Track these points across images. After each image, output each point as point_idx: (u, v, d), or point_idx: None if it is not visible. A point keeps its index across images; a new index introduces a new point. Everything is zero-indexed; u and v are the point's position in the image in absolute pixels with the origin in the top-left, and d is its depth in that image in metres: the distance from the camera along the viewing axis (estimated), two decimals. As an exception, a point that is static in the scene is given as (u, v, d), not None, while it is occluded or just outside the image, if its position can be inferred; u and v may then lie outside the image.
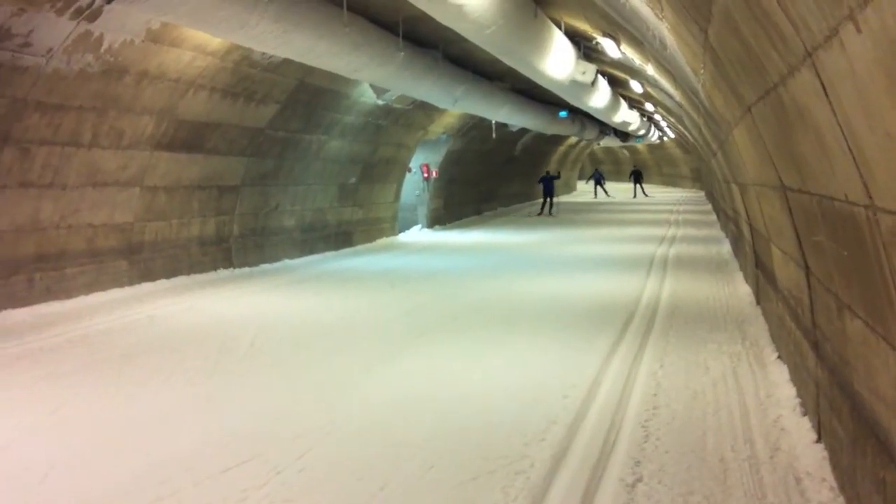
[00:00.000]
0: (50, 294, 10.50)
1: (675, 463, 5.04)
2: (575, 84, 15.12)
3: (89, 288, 11.18)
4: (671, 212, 30.97)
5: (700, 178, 44.26)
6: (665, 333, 8.87)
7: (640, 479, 4.78)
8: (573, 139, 39.97)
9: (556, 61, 12.85)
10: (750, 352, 7.88)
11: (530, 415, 6.06)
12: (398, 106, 18.20)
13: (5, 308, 9.74)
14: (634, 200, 40.51)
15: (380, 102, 17.08)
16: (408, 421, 6.02)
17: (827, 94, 3.03)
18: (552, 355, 7.99)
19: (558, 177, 32.10)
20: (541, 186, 30.89)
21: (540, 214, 29.51)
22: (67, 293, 10.79)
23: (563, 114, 25.06)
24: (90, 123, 10.52)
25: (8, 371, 7.57)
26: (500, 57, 12.01)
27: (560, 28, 12.96)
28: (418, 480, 4.87)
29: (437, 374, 7.40)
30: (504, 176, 33.13)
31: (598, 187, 44.46)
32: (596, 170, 48.22)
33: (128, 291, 11.69)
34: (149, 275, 12.43)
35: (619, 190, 47.21)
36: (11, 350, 8.33)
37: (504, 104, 19.42)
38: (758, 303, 10.20)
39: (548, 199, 30.23)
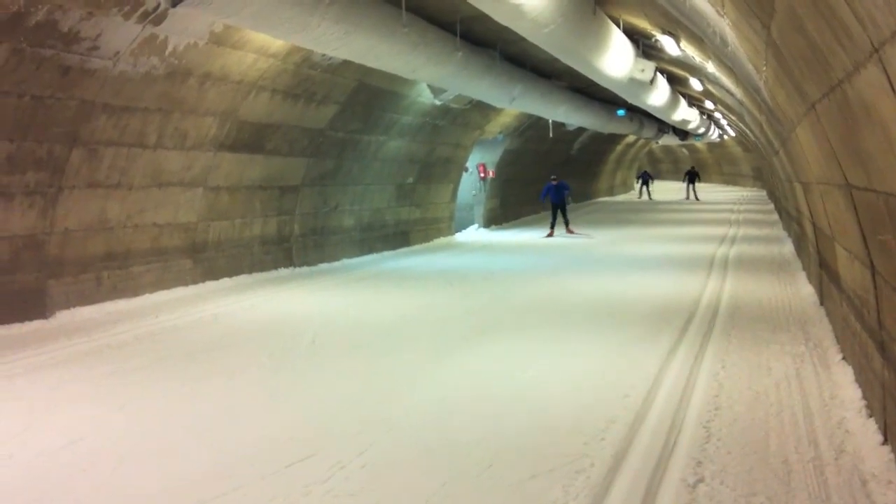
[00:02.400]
0: (117, 292, 10.77)
1: (737, 464, 5.00)
2: (633, 82, 15.01)
3: (154, 286, 11.45)
4: (731, 211, 30.53)
5: (761, 176, 43.43)
6: (726, 333, 8.77)
7: (701, 480, 4.75)
8: (631, 138, 39.62)
9: (615, 59, 12.78)
10: (814, 353, 7.75)
11: (590, 414, 6.05)
12: (455, 106, 18.25)
13: (74, 305, 10.03)
14: (686, 201, 38.54)
15: (437, 102, 17.15)
16: (467, 419, 6.06)
17: (894, 90, 2.99)
18: (611, 355, 7.96)
19: (568, 188, 22.26)
20: (545, 196, 22.31)
21: (550, 235, 21.76)
22: (134, 291, 11.06)
23: (621, 112, 24.88)
24: (155, 125, 10.76)
25: (77, 366, 7.78)
26: (557, 56, 11.98)
27: (619, 26, 12.89)
28: (478, 477, 4.90)
29: (495, 372, 7.42)
30: (561, 175, 32.98)
31: (644, 188, 42.29)
32: (644, 171, 45.55)
33: (192, 290, 11.94)
34: (212, 273, 12.67)
35: (673, 191, 46.24)
36: (81, 346, 8.57)
37: (561, 103, 19.35)
38: (821, 303, 10.02)
39: (558, 215, 22.02)
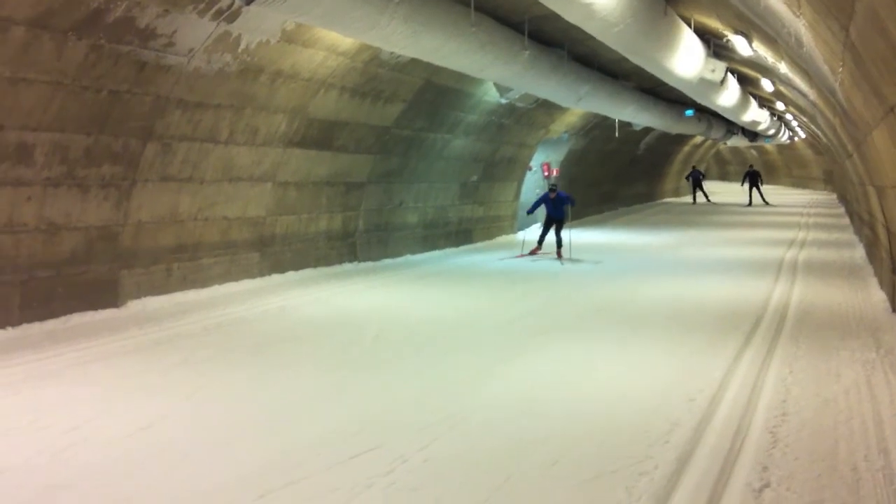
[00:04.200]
0: (186, 283, 11.02)
1: (804, 470, 4.92)
2: (703, 82, 14.83)
3: (223, 278, 11.68)
4: (801, 214, 29.92)
5: (832, 180, 42.41)
6: (795, 339, 8.63)
7: (767, 485, 4.69)
8: (699, 138, 39.06)
9: (685, 59, 12.65)
10: (885, 360, 7.59)
11: (654, 416, 6.01)
12: (521, 105, 18.22)
13: (145, 296, 10.29)
14: (748, 208, 33.71)
15: (503, 101, 17.14)
16: (530, 418, 6.06)
17: (980, 94, 2.93)
18: (677, 358, 7.89)
19: (572, 201, 17.36)
20: (534, 211, 17.36)
21: (535, 252, 17.35)
22: (203, 283, 11.30)
23: (689, 112, 24.58)
24: (227, 121, 10.97)
25: (148, 355, 7.99)
26: (627, 55, 11.91)
27: (689, 25, 12.75)
28: (541, 475, 4.91)
29: (558, 373, 7.41)
30: (626, 176, 32.73)
31: (698, 190, 37.58)
32: (693, 168, 40.25)
33: (258, 282, 12.15)
34: (278, 267, 12.88)
35: (738, 193, 44.75)
36: (151, 335, 8.79)
37: (629, 103, 19.19)
38: (893, 310, 9.79)
39: (553, 231, 17.02)
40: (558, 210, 16.91)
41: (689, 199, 36.51)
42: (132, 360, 7.79)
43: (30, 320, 8.77)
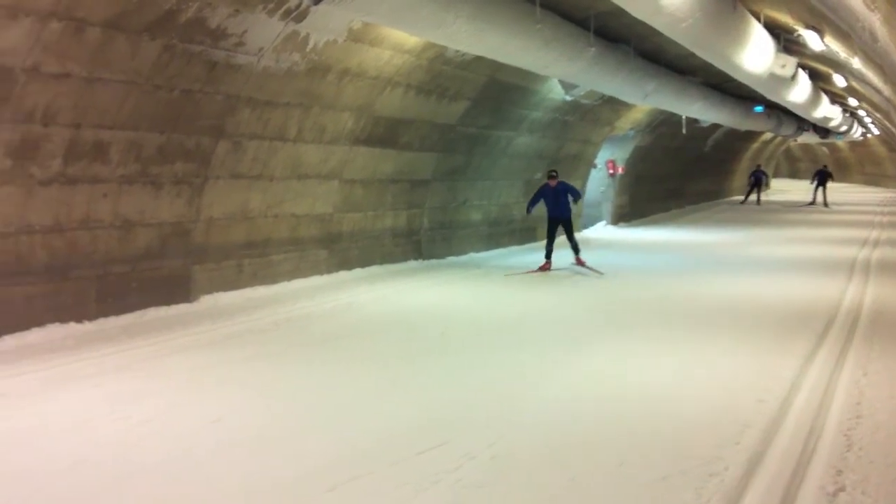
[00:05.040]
0: (256, 279, 11.21)
1: (880, 474, 4.82)
2: (773, 78, 14.57)
3: (292, 274, 11.85)
4: (874, 213, 29.18)
5: (907, 177, 41.28)
6: (868, 340, 8.44)
7: (842, 489, 4.61)
8: (768, 135, 38.32)
9: (754, 55, 12.44)
10: (964, 363, 7.38)
11: (723, 417, 5.94)
12: (586, 101, 18.10)
13: (217, 291, 10.50)
14: (811, 206, 32.79)
15: (567, 98, 17.04)
16: (595, 416, 6.04)
17: None
18: (745, 358, 7.78)
19: (575, 192, 14.50)
20: (535, 206, 14.62)
21: (544, 268, 14.20)
22: (272, 279, 11.49)
23: (758, 109, 24.16)
24: (296, 119, 11.12)
25: (220, 349, 8.16)
26: (694, 51, 11.75)
27: (759, 20, 12.54)
28: (608, 475, 4.90)
29: (623, 372, 7.37)
30: (693, 173, 32.27)
31: (755, 190, 35.29)
32: (758, 167, 37.79)
33: (326, 279, 12.30)
34: (345, 263, 13.02)
35: (802, 190, 43.43)
36: (223, 330, 8.97)
37: (696, 99, 18.94)
38: (973, 312, 9.52)
39: (565, 237, 14.45)
40: (559, 206, 13.96)
41: (753, 196, 34.97)
42: (205, 353, 7.96)
43: (106, 314, 9.01)
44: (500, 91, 15.09)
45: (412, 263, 14.55)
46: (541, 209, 14.41)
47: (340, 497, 4.58)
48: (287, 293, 11.09)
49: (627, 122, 22.24)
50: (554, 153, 19.37)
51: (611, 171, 23.80)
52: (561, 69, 12.77)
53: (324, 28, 10.19)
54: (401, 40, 11.45)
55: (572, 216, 14.38)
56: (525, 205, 15.09)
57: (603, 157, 23.30)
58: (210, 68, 9.35)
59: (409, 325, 9.46)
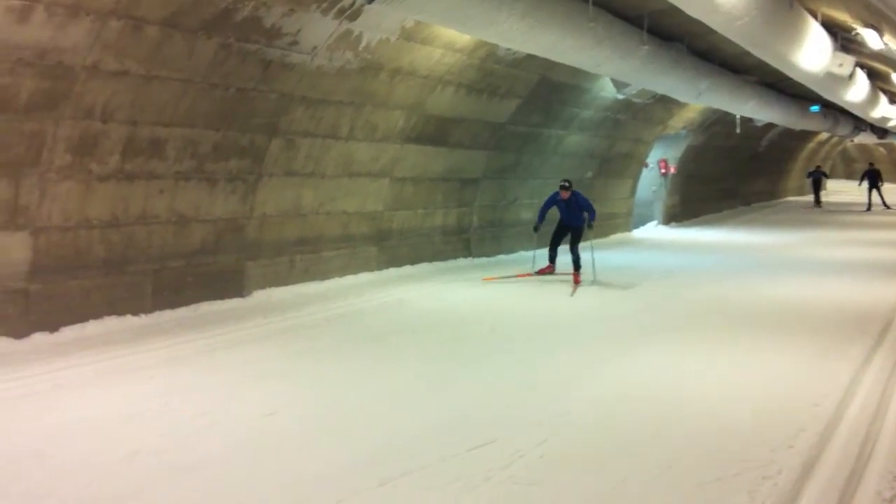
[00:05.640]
0: (308, 275, 11.33)
1: (938, 481, 4.73)
2: (830, 77, 14.33)
3: (342, 271, 11.96)
4: (933, 215, 28.52)
5: (968, 178, 40.18)
6: (927, 345, 8.27)
7: (899, 495, 4.53)
8: (824, 135, 37.64)
9: (811, 53, 12.25)
10: None
11: (776, 421, 5.87)
12: (638, 100, 17.95)
13: (269, 286, 10.63)
14: (868, 212, 30.23)
15: (619, 97, 16.92)
16: (645, 417, 6.00)
17: None
18: (798, 361, 7.66)
19: (590, 208, 12.81)
20: (544, 217, 13.27)
21: (545, 271, 13.19)
22: (324, 275, 11.60)
23: (814, 108, 23.76)
24: (348, 117, 11.21)
25: (272, 343, 8.26)
26: (750, 49, 11.61)
27: (816, 18, 12.33)
28: (657, 477, 4.86)
29: (673, 371, 7.31)
30: (747, 173, 31.83)
31: (816, 192, 33.49)
32: (817, 167, 35.68)
33: (376, 276, 12.38)
34: (395, 261, 13.09)
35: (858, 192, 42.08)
36: (275, 325, 9.08)
37: (750, 98, 18.68)
38: None
39: (569, 245, 13.04)
40: (573, 215, 12.78)
41: (812, 197, 33.76)
42: (257, 347, 8.07)
43: (161, 308, 9.17)
44: (551, 89, 15.04)
45: (461, 261, 14.57)
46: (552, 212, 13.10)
47: (392, 492, 4.61)
48: (338, 289, 11.18)
49: (680, 121, 22.01)
50: (605, 152, 19.25)
51: (663, 171, 23.58)
52: (613, 67, 12.68)
53: (377, 27, 10.24)
54: (452, 39, 11.47)
55: (584, 225, 12.72)
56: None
57: (655, 156, 23.10)
58: (265, 67, 9.46)
59: (459, 322, 9.48)
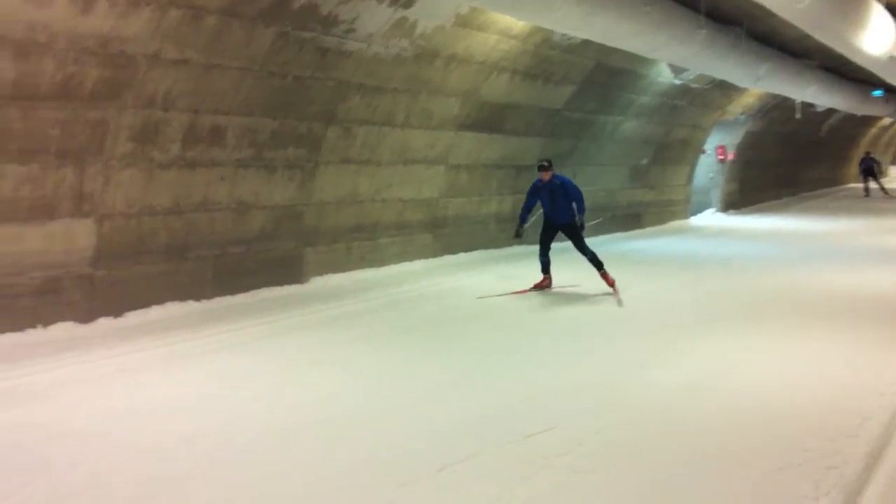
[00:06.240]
0: (364, 262, 11.42)
1: None
2: (893, 61, 13.98)
3: (398, 258, 12.02)
4: None
5: None
6: None
7: (969, 486, 4.43)
8: (886, 120, 36.75)
9: (874, 37, 11.98)
10: None
11: (840, 410, 5.76)
12: (695, 85, 17.72)
13: (327, 273, 10.74)
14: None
15: (676, 82, 16.74)
16: (704, 406, 5.93)
17: None
18: (863, 351, 7.50)
19: (577, 194, 10.52)
20: (529, 212, 11.01)
21: (541, 286, 10.75)
22: (380, 262, 11.68)
23: (877, 93, 23.24)
24: (403, 105, 11.24)
25: (330, 329, 8.35)
26: (811, 32, 11.39)
27: (879, 1, 12.04)
28: (721, 465, 4.80)
29: (732, 360, 7.21)
30: (807, 159, 31.23)
31: (871, 180, 31.13)
32: (867, 154, 33.12)
33: (431, 263, 12.42)
34: (450, 248, 13.12)
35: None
36: (333, 311, 9.17)
37: (811, 83, 18.33)
38: None
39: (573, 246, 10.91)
40: (558, 208, 10.50)
41: (873, 184, 32.48)
42: (315, 333, 8.16)
43: (222, 293, 9.32)
44: (607, 75, 14.91)
45: (515, 249, 14.49)
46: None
47: (451, 477, 4.62)
48: (393, 276, 11.25)
49: (738, 107, 21.68)
50: (661, 138, 19.05)
51: (720, 157, 23.28)
52: (670, 52, 12.54)
53: (432, 14, 10.25)
54: (508, 25, 11.43)
55: (576, 221, 10.47)
56: (625, 191, 14.52)
57: (712, 142, 22.80)
58: (322, 55, 9.53)
59: (513, 310, 9.46)
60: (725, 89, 19.02)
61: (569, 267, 11.40)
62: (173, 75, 8.19)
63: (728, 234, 18.30)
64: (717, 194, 23.65)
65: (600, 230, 17.43)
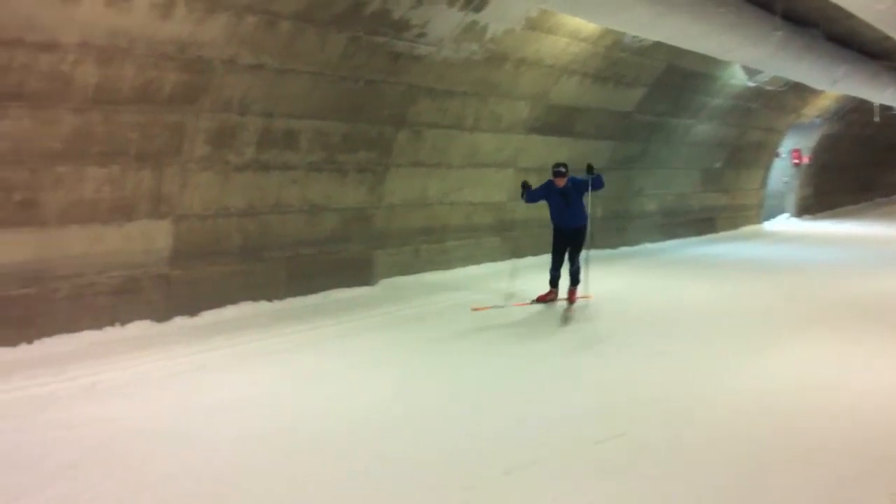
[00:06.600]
0: (432, 264, 11.49)
1: None
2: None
3: (465, 261, 12.07)
4: None
5: None
6: None
7: None
8: (971, 123, 35.54)
9: (960, 36, 11.60)
10: None
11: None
12: (770, 88, 17.40)
13: (395, 275, 10.84)
14: None
15: (750, 84, 16.47)
16: (777, 411, 5.84)
17: None
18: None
19: (596, 182, 9.94)
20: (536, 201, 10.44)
21: (547, 298, 10.00)
22: (447, 264, 11.74)
23: (960, 95, 22.44)
24: (472, 108, 11.28)
25: (399, 331, 8.42)
26: (891, 34, 11.09)
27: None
28: (794, 473, 4.71)
29: (805, 367, 7.09)
30: (886, 163, 30.41)
31: None
32: None
33: (499, 266, 12.42)
34: (517, 251, 13.10)
35: None
36: (402, 312, 9.26)
37: (890, 85, 17.84)
38: None
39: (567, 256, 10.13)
40: (571, 212, 9.90)
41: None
42: (384, 334, 8.24)
43: (294, 294, 9.47)
44: (678, 77, 14.75)
45: (583, 253, 14.44)
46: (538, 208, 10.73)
47: (518, 480, 4.61)
48: (462, 279, 11.29)
49: (814, 109, 21.22)
50: (734, 141, 18.77)
51: (795, 161, 22.82)
52: (744, 54, 12.35)
53: (502, 17, 10.26)
54: (577, 28, 11.39)
55: (587, 233, 9.96)
56: (697, 195, 14.33)
57: (787, 145, 22.36)
58: (393, 59, 9.62)
59: (583, 313, 9.42)
60: (801, 91, 18.64)
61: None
62: (248, 80, 8.35)
63: (802, 240, 17.93)
64: (791, 199, 23.20)
65: (674, 234, 17.25)
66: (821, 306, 9.96)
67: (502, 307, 9.62)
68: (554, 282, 10.05)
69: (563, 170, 9.79)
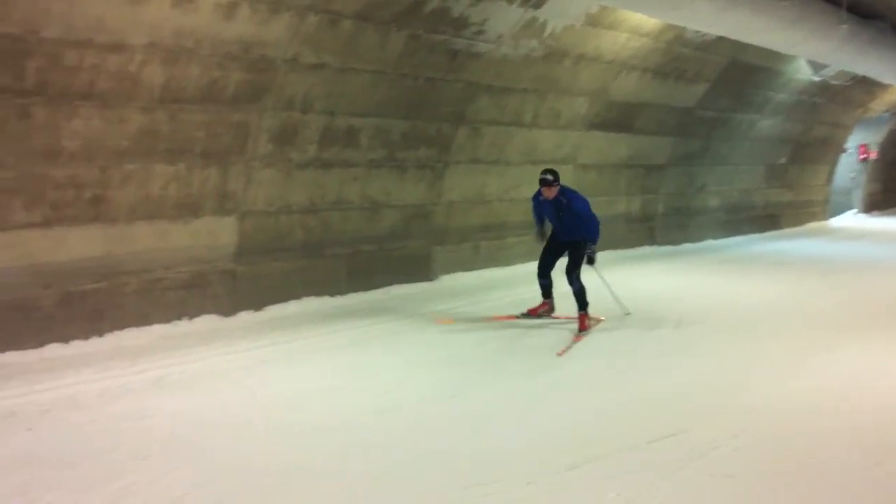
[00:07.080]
0: (491, 261, 11.52)
1: None
2: None
3: (525, 257, 12.02)
4: None
5: None
6: None
7: None
8: None
9: None
10: None
11: None
12: (836, 82, 17.06)
13: (455, 271, 10.90)
14: None
15: (816, 79, 16.19)
16: (843, 412, 5.73)
17: None
18: None
19: (586, 215, 8.30)
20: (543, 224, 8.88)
21: (538, 311, 8.82)
22: (506, 261, 11.74)
23: None
24: (531, 105, 11.27)
25: (459, 327, 8.42)
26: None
27: None
28: (859, 475, 4.63)
29: (871, 369, 6.94)
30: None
31: None
32: None
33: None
34: (576, 248, 13.05)
35: None
36: (461, 309, 9.29)
37: (963, 77, 17.36)
38: None
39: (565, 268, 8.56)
40: (567, 226, 8.51)
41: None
42: (443, 331, 8.26)
43: (355, 290, 9.58)
44: (741, 72, 14.54)
45: (646, 249, 14.35)
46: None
47: (582, 475, 4.58)
48: (520, 276, 11.23)
49: (882, 104, 20.74)
50: (799, 136, 18.43)
51: (862, 156, 22.33)
52: (809, 48, 12.14)
53: (562, 14, 10.24)
54: (638, 23, 11.30)
55: (584, 247, 8.39)
56: (761, 192, 14.12)
57: (854, 140, 21.88)
58: (452, 57, 9.66)
59: (644, 311, 9.34)
60: (868, 86, 18.24)
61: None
62: (310, 79, 8.47)
63: (870, 237, 17.53)
64: (858, 195, 22.71)
65: (737, 231, 17.02)
66: (887, 306, 9.75)
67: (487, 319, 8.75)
68: (546, 292, 8.80)
69: (549, 178, 8.31)
